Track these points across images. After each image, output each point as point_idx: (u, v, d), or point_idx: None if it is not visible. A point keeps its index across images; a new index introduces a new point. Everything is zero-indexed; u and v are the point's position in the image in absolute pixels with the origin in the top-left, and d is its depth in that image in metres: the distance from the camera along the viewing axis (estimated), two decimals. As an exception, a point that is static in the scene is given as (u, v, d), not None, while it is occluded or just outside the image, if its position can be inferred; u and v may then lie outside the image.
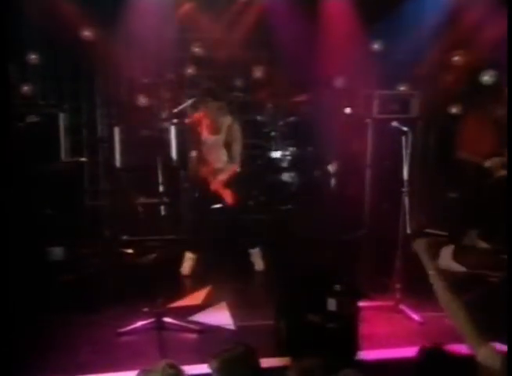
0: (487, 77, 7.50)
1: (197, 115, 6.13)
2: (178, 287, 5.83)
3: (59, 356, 4.25)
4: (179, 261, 6.24)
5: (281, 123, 8.16)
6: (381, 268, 5.66)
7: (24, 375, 3.95)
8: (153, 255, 6.48)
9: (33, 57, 7.59)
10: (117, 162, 7.69)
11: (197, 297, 5.53)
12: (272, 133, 8.17)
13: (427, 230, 7.20)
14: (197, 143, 6.15)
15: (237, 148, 6.10)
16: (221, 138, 6.08)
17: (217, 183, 6.02)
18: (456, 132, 6.56)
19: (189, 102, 6.31)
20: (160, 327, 4.55)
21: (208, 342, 4.47)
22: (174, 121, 7.07)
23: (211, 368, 2.87)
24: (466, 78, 7.73)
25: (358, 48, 7.80)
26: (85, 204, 7.41)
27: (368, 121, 7.30)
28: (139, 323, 4.65)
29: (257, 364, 2.94)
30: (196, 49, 8.02)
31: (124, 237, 7.20)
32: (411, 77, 7.79)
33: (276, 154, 8.14)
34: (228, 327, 4.83)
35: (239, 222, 6.36)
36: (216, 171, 6.06)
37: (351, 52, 7.73)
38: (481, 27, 7.26)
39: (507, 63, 5.38)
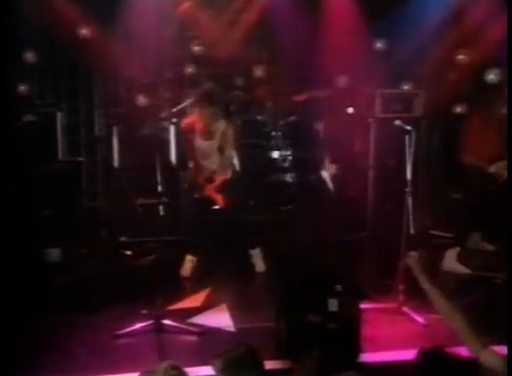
0: (492, 76, 7.45)
1: (190, 120, 6.07)
2: (178, 289, 5.77)
3: (58, 358, 4.22)
4: (179, 262, 6.18)
5: (282, 122, 8.09)
6: (384, 269, 5.59)
7: (24, 375, 3.94)
8: (152, 256, 6.40)
9: (30, 56, 7.50)
10: (116, 162, 7.67)
11: (197, 299, 5.49)
12: (273, 133, 8.08)
13: (432, 232, 7.15)
14: (191, 151, 6.13)
15: (230, 154, 6.06)
16: (215, 143, 6.02)
17: (209, 189, 6.00)
18: (461, 132, 6.47)
19: (189, 101, 6.26)
20: (159, 329, 4.53)
21: (208, 345, 4.41)
22: (174, 120, 6.98)
23: (215, 368, 2.81)
24: (471, 77, 7.68)
25: (361, 47, 7.76)
26: (83, 205, 7.33)
27: (371, 120, 7.23)
28: (138, 325, 4.60)
29: (261, 364, 2.89)
30: (196, 48, 7.99)
31: (123, 238, 7.14)
32: (415, 76, 7.74)
33: (277, 154, 8.06)
34: (228, 329, 4.78)
35: (239, 223, 6.32)
36: (210, 177, 6.03)
37: (354, 50, 7.69)
38: (486, 24, 7.24)
39: (507, 63, 5.33)
